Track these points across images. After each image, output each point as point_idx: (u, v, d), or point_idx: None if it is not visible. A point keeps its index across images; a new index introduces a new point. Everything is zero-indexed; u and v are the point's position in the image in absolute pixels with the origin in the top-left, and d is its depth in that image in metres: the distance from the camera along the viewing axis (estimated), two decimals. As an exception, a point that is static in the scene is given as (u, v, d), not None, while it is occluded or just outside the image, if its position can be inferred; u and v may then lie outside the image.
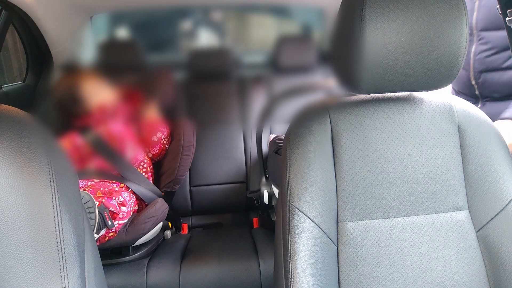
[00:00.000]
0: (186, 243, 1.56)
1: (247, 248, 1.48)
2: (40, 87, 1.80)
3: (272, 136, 1.71)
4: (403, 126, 0.82)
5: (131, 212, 1.37)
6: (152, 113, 1.64)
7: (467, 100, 1.68)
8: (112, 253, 1.38)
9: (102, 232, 1.26)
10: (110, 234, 1.30)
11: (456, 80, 1.67)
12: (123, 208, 1.32)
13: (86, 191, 1.27)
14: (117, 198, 1.32)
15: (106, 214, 1.25)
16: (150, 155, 1.66)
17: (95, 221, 1.20)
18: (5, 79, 1.91)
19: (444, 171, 0.82)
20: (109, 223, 1.25)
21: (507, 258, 0.78)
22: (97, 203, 1.26)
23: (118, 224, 1.30)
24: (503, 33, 1.58)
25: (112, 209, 1.28)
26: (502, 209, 0.80)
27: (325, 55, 1.88)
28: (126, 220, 1.33)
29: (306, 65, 1.89)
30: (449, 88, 1.95)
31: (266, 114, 1.69)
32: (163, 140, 1.67)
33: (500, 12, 1.08)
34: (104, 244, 1.31)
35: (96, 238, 1.24)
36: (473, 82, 1.70)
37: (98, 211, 1.23)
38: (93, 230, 1.21)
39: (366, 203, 0.80)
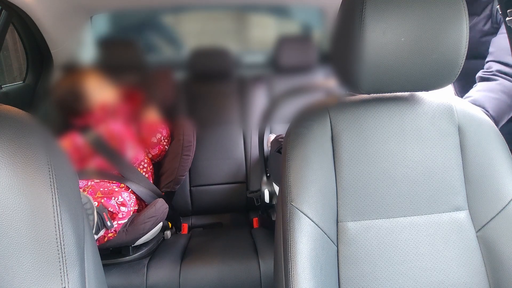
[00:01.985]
0: (186, 243, 1.56)
1: (247, 248, 1.48)
2: (40, 87, 1.80)
3: (272, 136, 1.71)
4: (403, 126, 0.82)
5: (131, 212, 1.37)
6: (152, 114, 1.64)
7: None
8: (112, 253, 1.38)
9: (101, 233, 1.26)
10: (110, 235, 1.30)
11: None
12: (123, 208, 1.31)
13: (85, 193, 1.27)
14: (116, 199, 1.32)
15: (105, 215, 1.25)
16: (150, 155, 1.66)
17: (94, 222, 1.20)
18: (5, 79, 1.92)
19: (444, 171, 0.81)
20: (108, 223, 1.25)
21: (507, 258, 0.78)
22: (95, 203, 1.26)
23: (118, 224, 1.30)
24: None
25: (111, 209, 1.28)
26: (502, 209, 0.80)
27: (325, 55, 1.88)
28: (126, 220, 1.33)
29: (306, 65, 1.89)
30: (450, 88, 1.96)
31: (268, 114, 1.69)
32: (162, 141, 1.67)
33: (500, 12, 1.08)
34: (104, 244, 1.31)
35: (95, 239, 1.24)
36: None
37: (97, 212, 1.23)
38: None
39: (366, 203, 0.80)
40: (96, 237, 1.23)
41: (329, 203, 0.78)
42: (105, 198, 1.29)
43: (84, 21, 1.87)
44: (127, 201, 1.34)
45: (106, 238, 1.30)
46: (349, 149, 0.81)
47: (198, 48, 1.91)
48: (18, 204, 0.52)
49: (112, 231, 1.29)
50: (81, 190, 1.32)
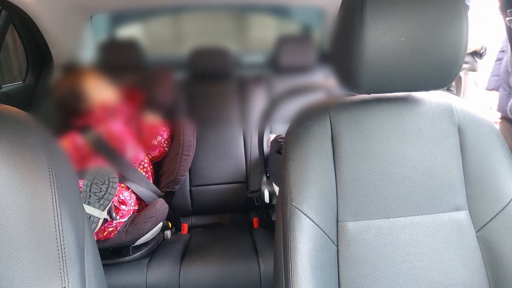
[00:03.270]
0: (186, 243, 1.56)
1: (247, 248, 1.48)
2: (40, 87, 1.80)
3: (272, 136, 1.71)
4: (403, 126, 0.82)
5: (131, 212, 1.37)
6: (152, 117, 1.64)
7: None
8: (112, 253, 1.38)
9: (108, 219, 1.27)
10: (110, 229, 1.30)
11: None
12: (123, 207, 1.32)
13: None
14: (117, 197, 1.32)
15: (112, 205, 1.26)
16: (150, 156, 1.66)
17: (116, 190, 1.24)
18: (5, 79, 1.91)
19: (444, 171, 0.81)
20: (114, 214, 1.27)
21: (507, 258, 0.78)
22: None
23: (119, 222, 1.31)
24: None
25: (115, 204, 1.30)
26: (502, 209, 0.80)
27: (325, 55, 1.87)
28: (126, 219, 1.34)
29: (306, 65, 1.89)
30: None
31: (268, 114, 1.69)
32: (163, 143, 1.67)
33: (500, 12, 1.08)
34: (104, 244, 1.31)
35: (104, 219, 1.25)
36: (509, 69, 1.72)
37: None
38: (109, 201, 1.24)
39: (366, 203, 0.80)
40: (105, 216, 1.25)
41: (329, 203, 0.78)
42: None
43: (84, 21, 1.87)
44: (128, 200, 1.35)
45: (105, 233, 1.30)
46: (349, 149, 0.81)
47: (198, 48, 1.90)
48: (18, 204, 0.52)
49: (113, 225, 1.30)
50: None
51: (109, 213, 1.26)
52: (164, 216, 1.46)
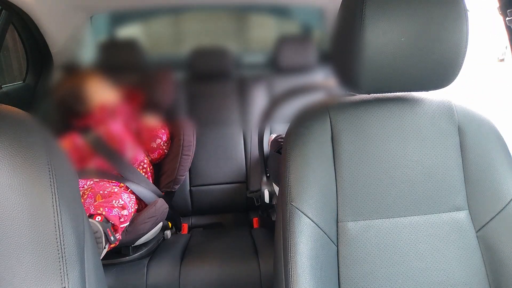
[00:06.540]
0: (186, 243, 1.56)
1: (247, 248, 1.48)
2: (40, 87, 1.80)
3: (273, 136, 1.71)
4: (403, 126, 0.82)
5: (132, 214, 1.37)
6: (151, 120, 1.64)
7: None
8: (112, 253, 1.37)
9: (106, 249, 1.24)
10: (112, 246, 1.29)
11: None
12: (124, 212, 1.30)
13: (94, 220, 1.23)
14: (117, 202, 1.30)
15: (108, 231, 1.22)
16: (149, 158, 1.66)
17: (102, 245, 1.19)
18: (5, 79, 1.91)
19: (444, 171, 0.82)
20: (112, 238, 1.23)
21: (507, 258, 0.78)
22: (99, 218, 1.23)
23: (121, 228, 1.29)
24: None
25: (112, 222, 1.26)
26: (502, 209, 0.80)
27: (325, 55, 1.87)
28: (127, 223, 1.32)
29: (306, 65, 1.89)
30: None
31: (268, 114, 1.69)
32: (162, 145, 1.67)
33: (500, 12, 1.08)
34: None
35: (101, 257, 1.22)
36: None
37: (103, 231, 1.22)
38: (100, 255, 1.18)
39: (366, 203, 0.80)
40: (102, 255, 1.22)
41: (329, 203, 0.78)
42: (106, 209, 1.27)
43: (84, 21, 1.87)
44: (128, 203, 1.33)
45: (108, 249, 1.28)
46: (349, 149, 0.81)
47: (198, 48, 1.90)
48: (18, 204, 0.52)
49: (114, 244, 1.28)
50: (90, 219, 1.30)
51: (107, 239, 1.22)
52: (164, 216, 1.46)
